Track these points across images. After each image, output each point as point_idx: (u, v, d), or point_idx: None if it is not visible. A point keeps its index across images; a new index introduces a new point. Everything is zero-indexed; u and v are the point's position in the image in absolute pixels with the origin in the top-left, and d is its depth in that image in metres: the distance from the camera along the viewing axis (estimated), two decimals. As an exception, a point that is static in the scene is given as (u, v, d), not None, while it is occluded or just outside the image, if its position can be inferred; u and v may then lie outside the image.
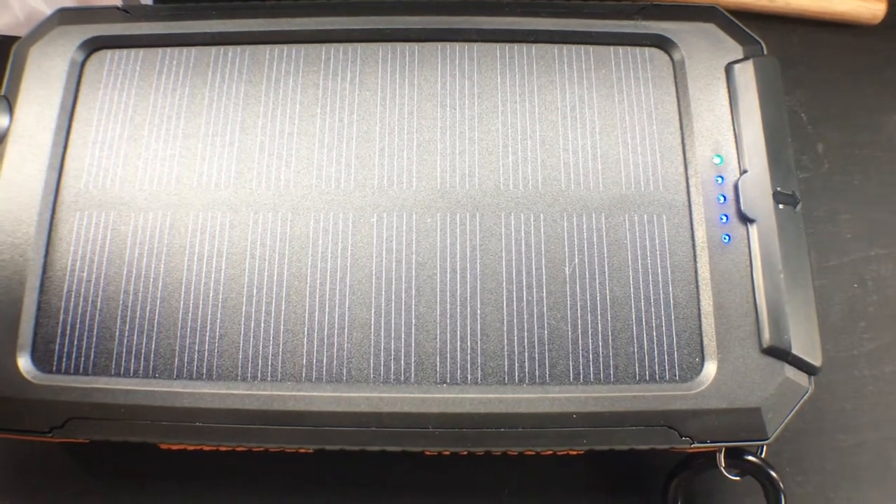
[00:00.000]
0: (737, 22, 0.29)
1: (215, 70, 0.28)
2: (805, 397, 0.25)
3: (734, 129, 0.27)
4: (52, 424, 0.25)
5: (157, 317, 0.25)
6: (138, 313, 0.26)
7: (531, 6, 0.29)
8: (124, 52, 0.29)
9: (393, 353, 0.25)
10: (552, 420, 0.24)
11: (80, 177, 0.27)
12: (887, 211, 0.34)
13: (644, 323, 0.25)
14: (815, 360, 0.25)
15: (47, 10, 0.32)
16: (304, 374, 0.25)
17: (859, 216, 0.34)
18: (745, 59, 0.28)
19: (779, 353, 0.25)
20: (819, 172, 0.35)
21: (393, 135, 0.27)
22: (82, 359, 0.25)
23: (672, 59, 0.28)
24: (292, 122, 0.28)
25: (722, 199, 0.26)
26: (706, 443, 0.24)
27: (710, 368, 0.25)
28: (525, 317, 0.25)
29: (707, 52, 0.28)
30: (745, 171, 0.27)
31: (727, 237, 0.26)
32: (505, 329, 0.25)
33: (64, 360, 0.25)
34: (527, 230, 0.26)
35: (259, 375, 0.25)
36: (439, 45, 0.28)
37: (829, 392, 0.31)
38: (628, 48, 0.28)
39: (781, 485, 0.26)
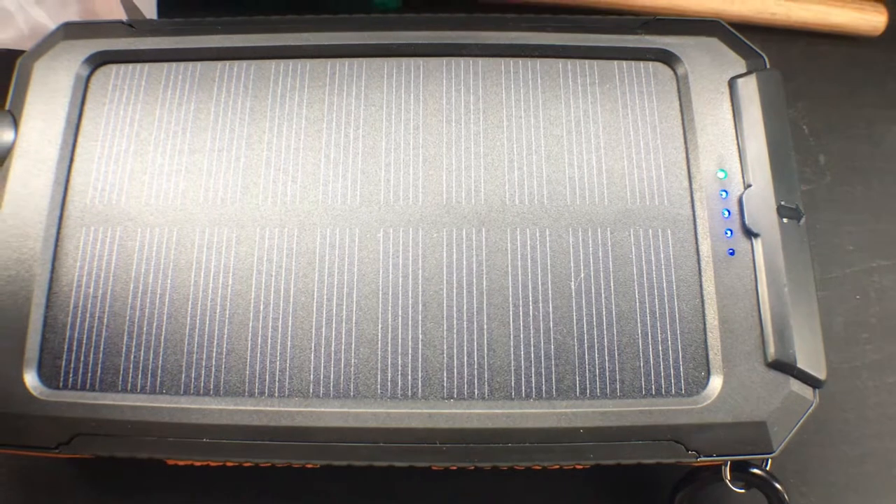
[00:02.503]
0: (739, 36, 0.29)
1: (221, 85, 0.28)
2: (810, 411, 0.25)
3: (738, 144, 0.27)
4: (58, 440, 0.25)
5: (163, 332, 0.25)
6: (145, 329, 0.26)
7: (535, 21, 0.29)
8: (129, 66, 0.29)
9: (400, 368, 0.25)
10: (559, 435, 0.24)
11: (86, 192, 0.27)
12: (889, 222, 0.35)
13: (650, 337, 0.25)
14: (820, 373, 0.25)
15: (52, 24, 0.32)
16: (311, 390, 0.25)
17: (861, 227, 0.34)
18: (749, 72, 0.28)
19: (784, 366, 0.25)
20: (821, 184, 0.35)
21: (399, 150, 0.27)
22: (89, 374, 0.25)
23: (676, 73, 0.28)
24: (298, 137, 0.28)
25: (726, 213, 0.27)
26: (712, 456, 0.24)
27: (716, 382, 0.25)
28: (531, 332, 0.25)
29: (710, 66, 0.28)
30: (749, 186, 0.27)
31: (732, 251, 0.26)
32: (511, 344, 0.25)
33: (70, 375, 0.25)
34: (532, 245, 0.26)
35: (266, 391, 0.25)
36: (444, 60, 0.28)
37: (833, 403, 0.31)
38: (632, 62, 0.29)
39: (786, 497, 0.26)
